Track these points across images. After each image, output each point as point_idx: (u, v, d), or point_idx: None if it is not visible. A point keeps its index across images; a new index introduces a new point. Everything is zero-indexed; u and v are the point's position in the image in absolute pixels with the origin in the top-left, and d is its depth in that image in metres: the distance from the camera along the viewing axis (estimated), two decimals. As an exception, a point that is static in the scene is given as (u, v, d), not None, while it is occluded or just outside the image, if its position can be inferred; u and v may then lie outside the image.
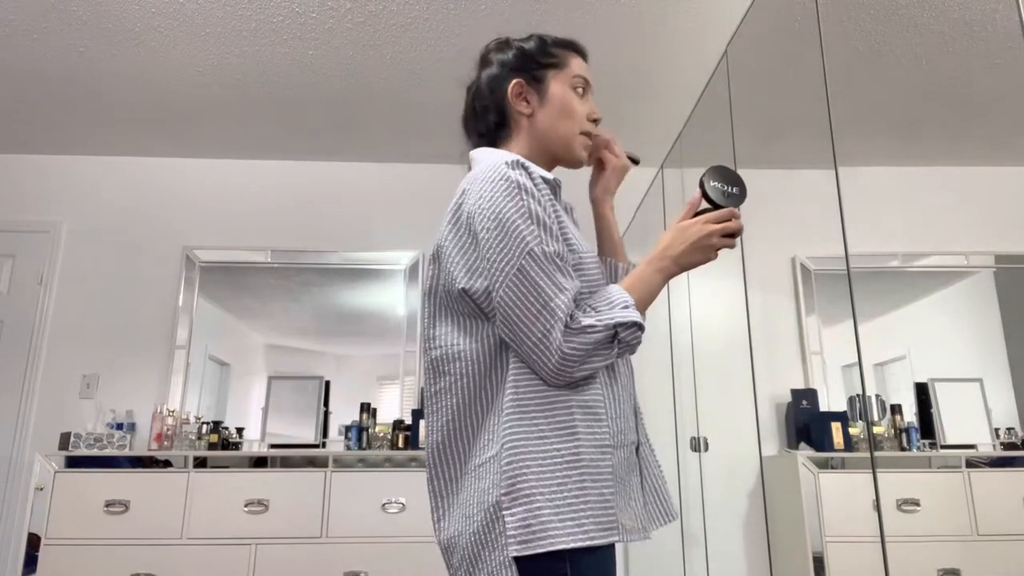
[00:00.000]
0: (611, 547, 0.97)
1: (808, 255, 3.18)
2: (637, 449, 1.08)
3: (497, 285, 0.96)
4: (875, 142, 2.74)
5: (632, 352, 1.03)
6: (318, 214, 3.75)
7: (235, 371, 3.49)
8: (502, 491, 0.92)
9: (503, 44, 1.21)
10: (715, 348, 2.96)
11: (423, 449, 3.11)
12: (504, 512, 0.92)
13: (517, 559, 0.90)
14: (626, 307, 0.98)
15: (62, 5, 2.62)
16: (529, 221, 0.98)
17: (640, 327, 0.98)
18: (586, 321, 0.95)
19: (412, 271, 3.67)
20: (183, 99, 3.24)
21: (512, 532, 0.90)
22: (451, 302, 1.04)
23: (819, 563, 2.27)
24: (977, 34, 2.37)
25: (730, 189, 1.09)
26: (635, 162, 1.29)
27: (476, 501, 0.96)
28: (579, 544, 0.89)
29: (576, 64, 1.18)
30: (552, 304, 0.94)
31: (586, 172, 1.29)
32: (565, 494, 0.91)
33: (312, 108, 3.31)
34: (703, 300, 3.03)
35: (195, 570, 2.79)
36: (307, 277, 3.64)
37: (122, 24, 2.72)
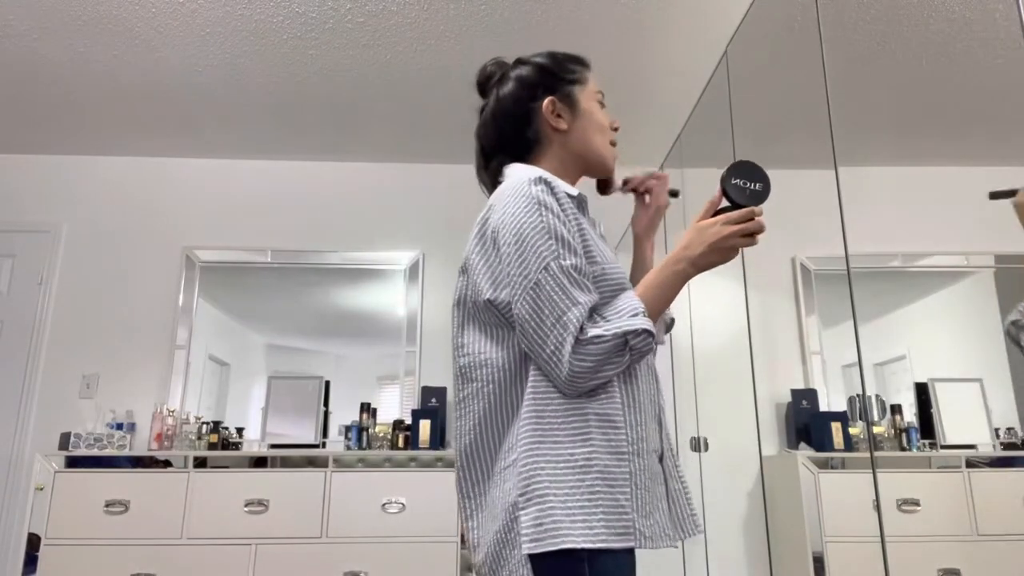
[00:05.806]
0: (631, 553, 0.99)
1: (808, 255, 3.18)
2: (661, 458, 1.08)
3: (516, 298, 1.00)
4: (875, 142, 2.74)
5: (643, 357, 1.04)
6: (318, 214, 3.75)
7: (235, 371, 3.49)
8: (518, 492, 0.97)
9: (517, 62, 1.24)
10: (715, 348, 2.96)
11: (423, 449, 3.11)
12: (520, 512, 0.96)
13: (533, 557, 0.93)
14: (635, 315, 0.99)
15: (62, 5, 2.62)
16: (547, 236, 1.01)
17: (650, 333, 0.99)
18: (593, 332, 0.97)
19: (412, 271, 3.67)
20: (183, 99, 3.24)
21: (526, 531, 0.94)
22: (478, 312, 1.08)
23: (819, 563, 2.27)
24: (977, 34, 2.37)
25: (752, 186, 1.07)
26: (673, 195, 1.30)
27: (500, 503, 1.00)
28: (588, 544, 0.92)
29: (592, 79, 1.24)
30: (565, 318, 0.97)
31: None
32: (577, 496, 0.94)
33: (312, 108, 3.31)
34: (703, 300, 3.03)
35: (195, 570, 2.79)
36: (307, 277, 3.64)
37: (122, 24, 2.72)
